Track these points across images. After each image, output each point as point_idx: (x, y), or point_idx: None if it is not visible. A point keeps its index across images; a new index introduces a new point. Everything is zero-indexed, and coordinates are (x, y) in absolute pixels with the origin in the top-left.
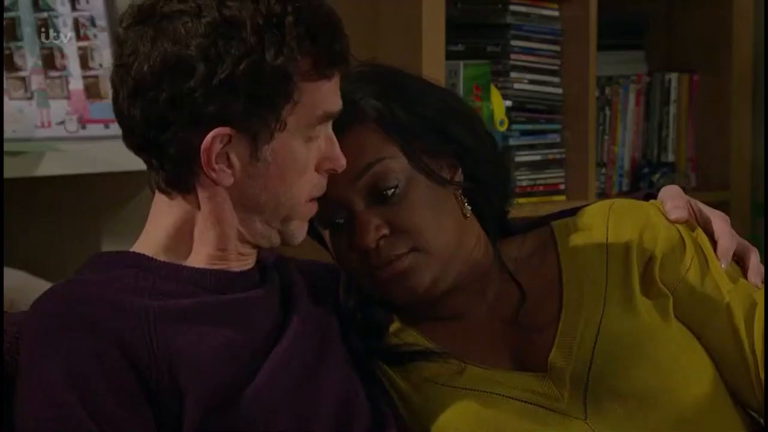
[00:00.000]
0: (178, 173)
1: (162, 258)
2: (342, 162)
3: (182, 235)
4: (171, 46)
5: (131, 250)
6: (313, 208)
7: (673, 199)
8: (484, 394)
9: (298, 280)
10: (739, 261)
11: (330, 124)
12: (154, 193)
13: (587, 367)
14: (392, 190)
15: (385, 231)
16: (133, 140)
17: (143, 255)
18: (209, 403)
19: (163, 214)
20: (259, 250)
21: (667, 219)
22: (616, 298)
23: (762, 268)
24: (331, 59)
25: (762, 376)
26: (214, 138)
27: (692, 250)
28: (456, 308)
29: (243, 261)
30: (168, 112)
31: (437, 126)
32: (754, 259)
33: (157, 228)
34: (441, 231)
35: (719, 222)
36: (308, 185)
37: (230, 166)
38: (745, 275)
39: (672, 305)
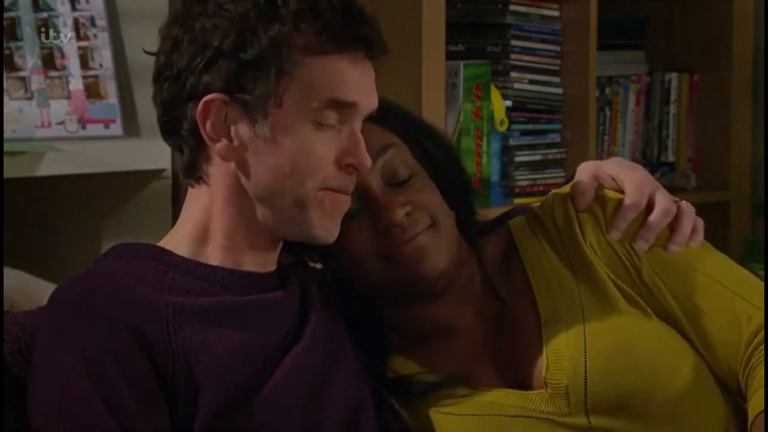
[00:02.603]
0: (192, 154)
1: (182, 253)
2: (365, 161)
3: (204, 230)
4: (178, 29)
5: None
6: (334, 199)
7: (578, 185)
8: (489, 418)
9: (311, 283)
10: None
11: (355, 120)
12: (186, 188)
13: (583, 380)
14: (407, 176)
15: (409, 208)
16: (162, 129)
17: (163, 249)
18: (223, 402)
19: (189, 207)
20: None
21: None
22: (593, 301)
23: (687, 232)
24: (334, 35)
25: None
26: (206, 103)
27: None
28: (446, 317)
29: (260, 258)
30: (174, 87)
31: (418, 135)
32: (685, 223)
33: (183, 222)
34: (447, 215)
35: (629, 188)
36: (320, 173)
37: (231, 139)
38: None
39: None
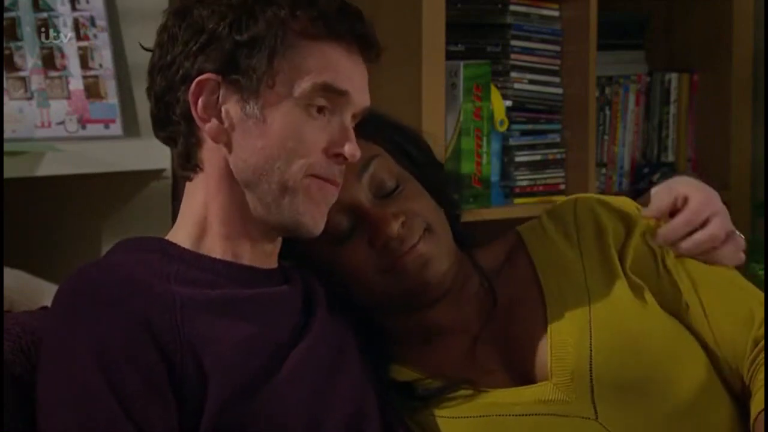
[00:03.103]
0: (185, 139)
1: (185, 246)
2: (354, 150)
3: (202, 222)
4: (174, 20)
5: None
6: (321, 187)
7: (658, 199)
8: (494, 419)
9: (316, 283)
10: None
11: (345, 112)
12: (184, 185)
13: (588, 365)
14: (394, 185)
15: (403, 218)
16: (155, 122)
17: (168, 241)
18: (230, 395)
19: (186, 203)
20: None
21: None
22: (599, 290)
23: (723, 258)
24: (330, 24)
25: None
26: (199, 83)
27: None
28: (445, 319)
29: (257, 250)
30: (168, 74)
31: (397, 138)
32: (726, 250)
33: (182, 219)
34: (442, 218)
35: (692, 203)
36: (307, 160)
37: (222, 120)
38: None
39: (650, 294)
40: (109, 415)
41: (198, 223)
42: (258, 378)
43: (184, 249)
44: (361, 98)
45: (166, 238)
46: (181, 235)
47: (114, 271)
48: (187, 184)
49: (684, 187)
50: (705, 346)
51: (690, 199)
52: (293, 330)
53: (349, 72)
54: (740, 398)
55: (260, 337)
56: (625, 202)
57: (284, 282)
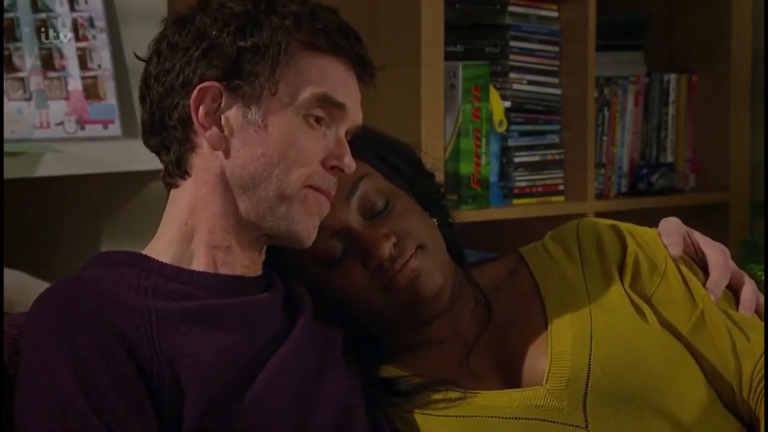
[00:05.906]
0: (180, 145)
1: (166, 259)
2: (349, 162)
3: (186, 229)
4: (174, 28)
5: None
6: (317, 198)
7: (669, 235)
8: (482, 420)
9: (302, 289)
10: (735, 293)
11: (341, 126)
12: (168, 194)
13: (586, 374)
14: (384, 204)
15: (394, 239)
16: (147, 128)
17: (146, 256)
18: (209, 404)
19: (171, 210)
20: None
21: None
22: (601, 302)
23: (755, 299)
24: (332, 38)
25: (746, 396)
26: (201, 89)
27: (662, 264)
28: (439, 334)
29: (244, 258)
30: (166, 80)
31: (384, 153)
32: (746, 290)
33: (165, 226)
34: (434, 233)
35: (715, 254)
36: (306, 169)
37: (222, 128)
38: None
39: (651, 313)
40: (89, 428)
41: (182, 231)
42: (238, 386)
43: (162, 263)
44: (356, 114)
45: (145, 251)
46: (162, 244)
47: (89, 285)
48: (172, 190)
49: (695, 233)
50: (706, 368)
51: (707, 248)
52: (274, 336)
53: (346, 87)
54: (751, 426)
55: (240, 346)
56: (636, 228)
57: (266, 288)
